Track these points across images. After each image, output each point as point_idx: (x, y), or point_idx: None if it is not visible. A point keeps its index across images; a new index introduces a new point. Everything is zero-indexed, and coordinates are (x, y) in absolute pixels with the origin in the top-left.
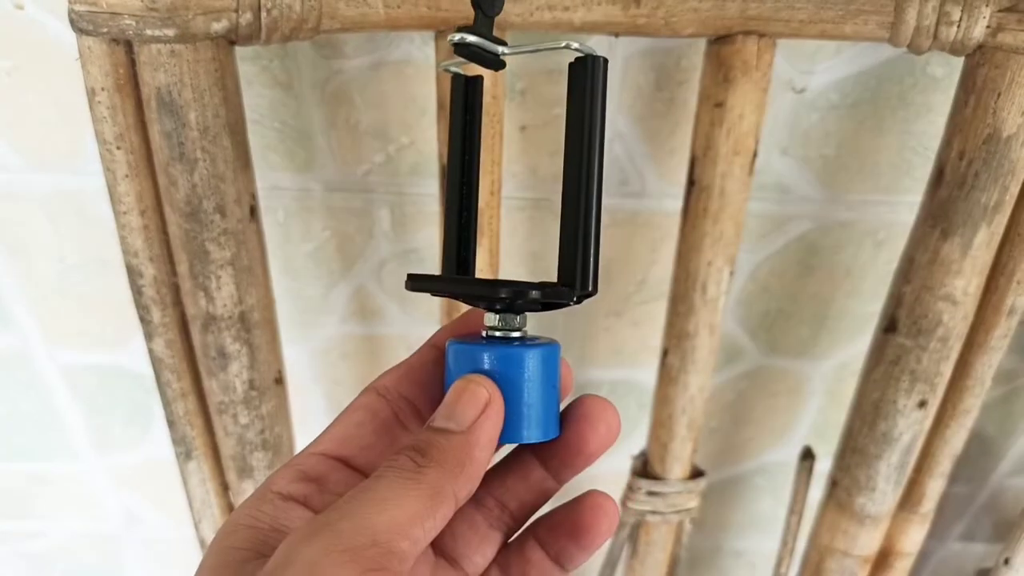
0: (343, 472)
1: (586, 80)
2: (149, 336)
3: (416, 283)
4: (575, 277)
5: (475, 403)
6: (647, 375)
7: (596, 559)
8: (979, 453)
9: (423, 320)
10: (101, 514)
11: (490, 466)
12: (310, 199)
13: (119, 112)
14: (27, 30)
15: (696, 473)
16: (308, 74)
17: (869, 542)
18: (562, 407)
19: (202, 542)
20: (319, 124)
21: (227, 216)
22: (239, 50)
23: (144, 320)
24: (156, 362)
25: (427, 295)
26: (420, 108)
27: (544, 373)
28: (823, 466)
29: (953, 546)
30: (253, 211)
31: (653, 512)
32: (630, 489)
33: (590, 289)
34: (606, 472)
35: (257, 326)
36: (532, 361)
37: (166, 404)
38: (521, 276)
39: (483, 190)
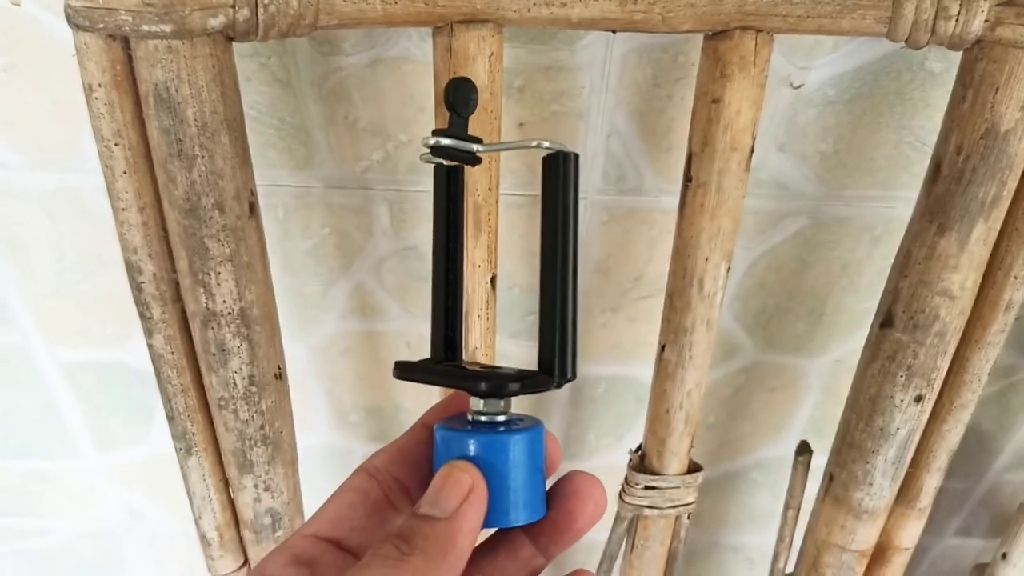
0: (335, 554)
1: (558, 176)
2: (149, 333)
3: (403, 372)
4: (554, 367)
5: (459, 490)
6: (644, 371)
7: (594, 554)
8: (976, 448)
9: (423, 317)
10: (102, 512)
11: (478, 543)
12: (309, 196)
13: (117, 108)
14: (24, 26)
15: (693, 468)
16: (306, 71)
17: (866, 537)
18: (552, 480)
19: (202, 538)
20: (318, 121)
21: (226, 212)
22: (237, 47)
23: (144, 317)
24: (156, 358)
25: (427, 294)
26: (418, 105)
27: (529, 456)
28: (820, 461)
29: (950, 541)
30: (252, 207)
31: (650, 507)
32: (628, 484)
33: (569, 376)
34: (604, 468)
35: (257, 322)
36: (516, 447)
37: (166, 400)
38: (519, 272)
39: (481, 186)
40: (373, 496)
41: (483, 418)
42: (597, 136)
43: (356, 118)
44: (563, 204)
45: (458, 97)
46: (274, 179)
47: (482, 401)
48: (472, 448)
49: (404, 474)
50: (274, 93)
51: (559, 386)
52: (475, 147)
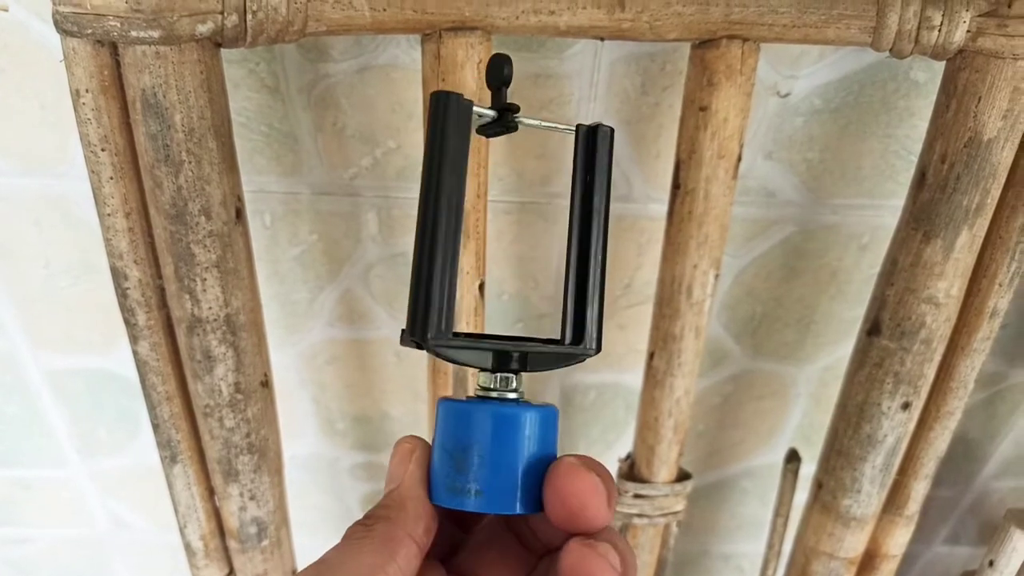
0: None
1: (593, 149)
2: (134, 339)
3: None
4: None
5: (402, 456)
6: (634, 378)
7: None
8: (963, 456)
9: None
10: (87, 520)
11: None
12: (297, 203)
13: (104, 114)
14: (11, 32)
15: (682, 476)
16: (295, 78)
17: (854, 544)
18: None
19: (187, 547)
20: (306, 128)
21: (212, 218)
22: (226, 53)
23: (129, 323)
24: (141, 365)
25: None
26: (407, 112)
27: (490, 434)
28: (809, 469)
29: (939, 549)
30: (239, 213)
31: (640, 515)
32: (617, 492)
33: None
34: None
35: (243, 329)
36: (463, 416)
37: (151, 407)
38: (508, 278)
39: (469, 193)
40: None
41: (492, 393)
42: None
43: (344, 125)
44: (598, 178)
45: (496, 74)
46: (262, 185)
47: (492, 376)
48: (438, 412)
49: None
50: (262, 99)
51: (581, 359)
52: (513, 116)
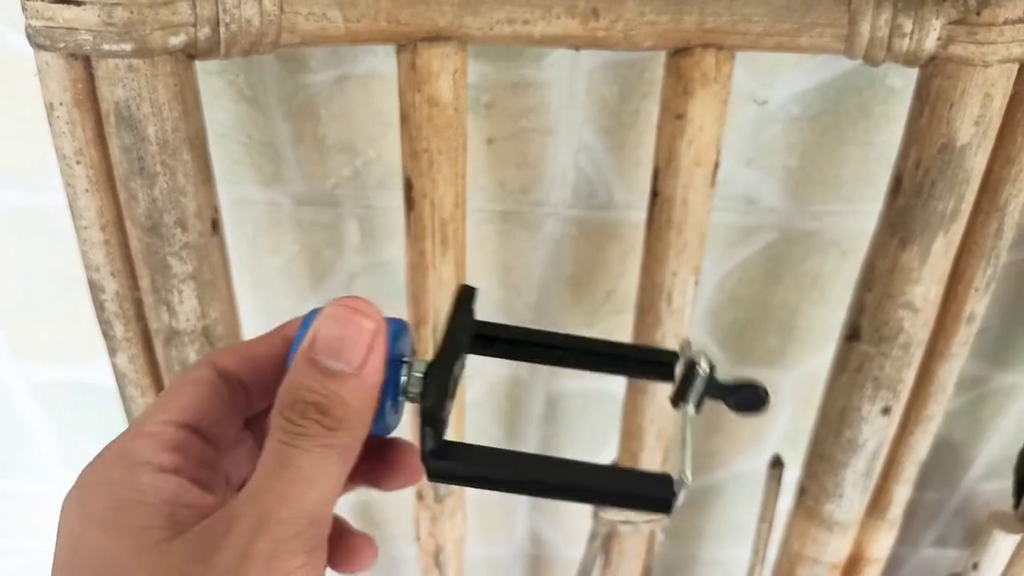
0: (200, 444)
1: None
2: (112, 351)
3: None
4: None
5: (363, 336)
6: (618, 386)
7: (570, 571)
8: (949, 459)
9: None
10: None
11: None
12: (279, 213)
13: (78, 127)
14: None
15: None
16: (274, 88)
17: (838, 549)
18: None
19: None
20: (286, 138)
21: (188, 230)
22: (204, 64)
23: (107, 335)
24: (120, 377)
25: (398, 311)
26: (386, 121)
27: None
28: (795, 474)
29: (926, 552)
30: (215, 225)
31: (624, 522)
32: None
33: None
34: None
35: (221, 340)
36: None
37: (130, 419)
38: (491, 287)
39: (447, 202)
40: (223, 394)
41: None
42: (566, 152)
43: (325, 135)
44: None
45: None
46: (243, 196)
47: None
48: None
49: (254, 385)
50: (241, 110)
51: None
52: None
